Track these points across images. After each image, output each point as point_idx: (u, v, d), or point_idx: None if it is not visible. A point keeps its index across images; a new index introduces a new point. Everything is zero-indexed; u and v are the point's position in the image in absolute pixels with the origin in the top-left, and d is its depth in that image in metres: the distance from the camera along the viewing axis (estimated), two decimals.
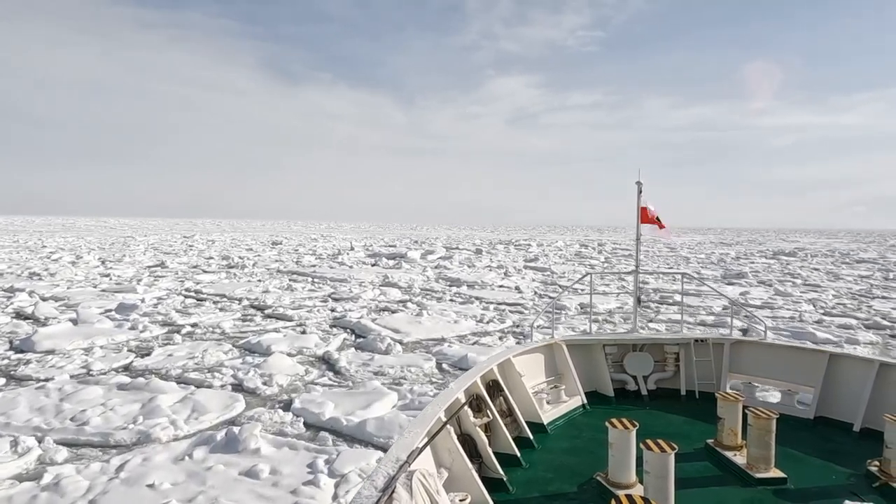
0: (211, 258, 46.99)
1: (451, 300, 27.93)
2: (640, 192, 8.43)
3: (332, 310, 24.19)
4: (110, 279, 31.79)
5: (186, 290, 28.65)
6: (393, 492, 3.21)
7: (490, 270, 43.35)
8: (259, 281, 33.26)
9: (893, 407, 6.13)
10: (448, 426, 4.65)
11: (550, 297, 28.71)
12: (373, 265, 45.04)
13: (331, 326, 20.65)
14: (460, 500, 4.30)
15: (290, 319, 21.56)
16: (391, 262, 46.26)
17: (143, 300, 24.75)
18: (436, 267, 44.97)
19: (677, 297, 29.04)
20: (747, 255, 75.19)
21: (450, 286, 33.63)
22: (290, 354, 15.64)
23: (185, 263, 41.55)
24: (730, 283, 38.56)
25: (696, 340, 8.15)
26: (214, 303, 25.15)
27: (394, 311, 23.71)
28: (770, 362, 7.78)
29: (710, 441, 6.11)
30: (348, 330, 19.84)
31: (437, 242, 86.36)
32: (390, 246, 71.93)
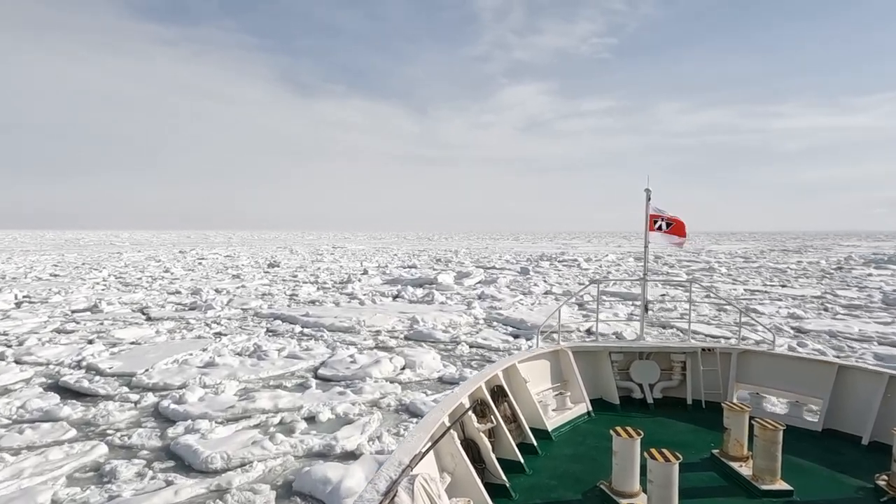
0: (177, 292, 35.29)
1: None
2: (648, 199, 8.21)
3: (308, 420, 12.00)
4: None
5: (76, 364, 16.71)
6: (395, 496, 3.17)
7: (557, 301, 30.73)
8: (217, 336, 21.23)
9: None
10: (451, 431, 4.58)
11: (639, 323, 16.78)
12: (394, 298, 32.73)
13: None
14: None
15: (204, 470, 9.37)
16: (418, 293, 33.88)
17: None
18: (479, 297, 32.46)
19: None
20: (846, 265, 61.03)
21: (514, 337, 21.12)
22: None
23: (129, 304, 29.85)
24: None
25: (703, 349, 8.00)
26: (88, 405, 13.10)
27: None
28: (778, 373, 7.54)
29: (715, 451, 5.96)
30: None
31: (466, 260, 73.87)
32: (411, 266, 59.65)
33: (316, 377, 15.74)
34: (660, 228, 8.33)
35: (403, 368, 16.37)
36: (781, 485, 5.17)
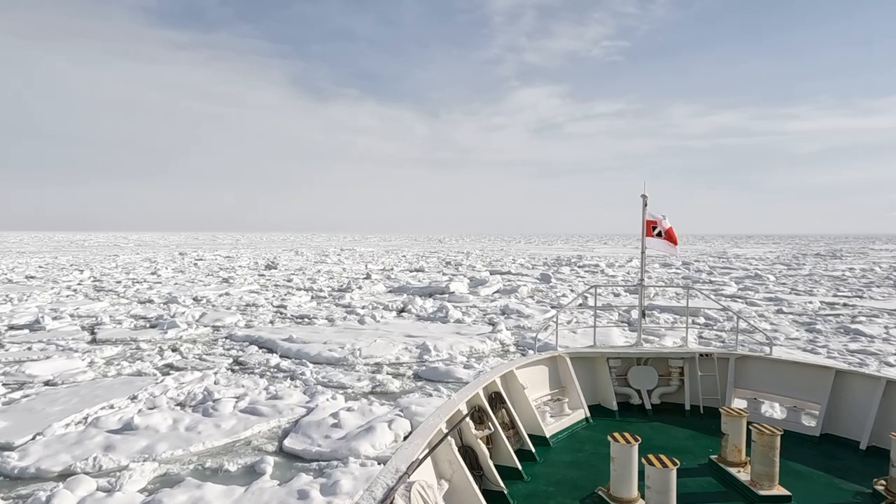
0: (149, 301, 30.37)
1: None
2: (645, 205, 8.17)
3: None
4: None
5: None
6: (391, 503, 3.11)
7: (596, 317, 25.35)
8: (165, 370, 16.18)
9: None
10: (449, 438, 4.55)
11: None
12: (399, 312, 27.50)
13: None
14: None
15: None
16: (428, 306, 28.59)
17: None
18: (503, 312, 27.15)
19: None
20: None
21: None
22: None
23: (83, 317, 24.89)
24: None
25: (701, 355, 7.85)
26: None
27: None
28: (776, 378, 7.43)
29: (713, 457, 5.85)
30: None
31: (477, 263, 68.57)
32: (419, 270, 54.43)
33: (280, 450, 10.56)
34: (659, 234, 8.24)
35: (408, 437, 11.10)
36: (780, 490, 5.04)
